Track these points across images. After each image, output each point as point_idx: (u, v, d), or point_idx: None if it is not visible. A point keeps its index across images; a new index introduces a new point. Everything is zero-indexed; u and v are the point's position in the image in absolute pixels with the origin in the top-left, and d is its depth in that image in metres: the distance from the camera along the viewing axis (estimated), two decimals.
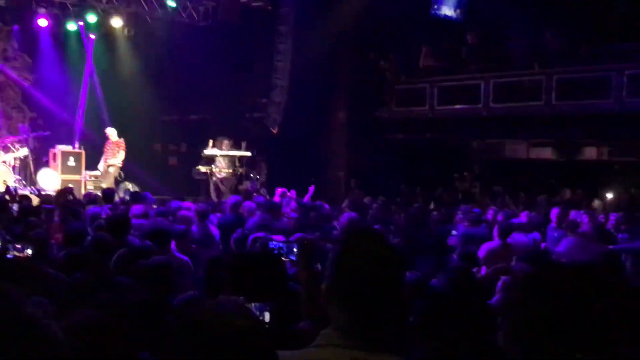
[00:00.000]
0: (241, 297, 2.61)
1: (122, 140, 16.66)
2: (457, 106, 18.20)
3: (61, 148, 16.74)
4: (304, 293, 3.41)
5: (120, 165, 16.51)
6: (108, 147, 16.62)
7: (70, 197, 12.55)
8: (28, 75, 19.21)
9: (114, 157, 16.45)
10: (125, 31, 19.43)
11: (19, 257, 4.79)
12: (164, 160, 21.62)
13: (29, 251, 4.84)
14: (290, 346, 2.03)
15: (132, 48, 19.96)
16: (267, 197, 14.69)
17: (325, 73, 18.13)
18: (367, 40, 18.99)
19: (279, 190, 13.77)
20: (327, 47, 17.85)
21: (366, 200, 14.18)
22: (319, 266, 3.47)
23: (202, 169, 17.12)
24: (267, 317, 2.59)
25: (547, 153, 19.97)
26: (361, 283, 1.90)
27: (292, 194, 13.61)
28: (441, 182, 18.32)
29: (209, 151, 16.91)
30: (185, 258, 6.20)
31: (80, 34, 19.07)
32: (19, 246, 4.88)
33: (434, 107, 18.47)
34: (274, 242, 4.11)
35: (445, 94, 18.41)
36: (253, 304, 2.56)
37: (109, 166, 16.43)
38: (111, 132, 16.76)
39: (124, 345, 2.57)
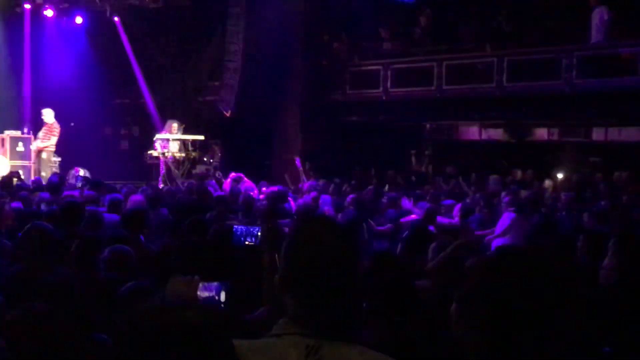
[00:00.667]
0: (196, 276, 2.57)
1: (56, 124, 16.13)
2: (411, 88, 18.26)
3: (9, 133, 16.34)
4: (265, 278, 3.39)
5: (53, 150, 16.04)
6: (41, 130, 16.15)
7: (17, 182, 12.36)
8: None
9: (45, 141, 15.96)
10: (76, 15, 19.03)
11: None
12: (115, 144, 21.33)
13: None
14: (249, 333, 2.02)
15: (82, 30, 19.55)
16: (222, 180, 14.63)
17: (278, 55, 18.02)
18: (320, 23, 18.93)
19: (232, 175, 13.71)
20: (279, 29, 17.73)
21: (320, 182, 14.21)
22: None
23: (154, 153, 16.92)
24: (222, 296, 2.57)
25: (498, 134, 20.25)
26: (313, 271, 1.90)
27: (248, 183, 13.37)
28: (395, 164, 18.43)
29: (161, 135, 16.72)
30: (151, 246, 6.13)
31: (24, 15, 18.61)
32: None
33: (388, 90, 18.51)
34: (237, 227, 4.10)
35: (398, 76, 18.45)
36: (208, 284, 2.54)
37: (39, 150, 15.97)
38: (46, 113, 16.03)
39: (69, 333, 2.54)
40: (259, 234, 3.58)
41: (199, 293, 2.48)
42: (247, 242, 3.74)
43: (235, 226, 4.30)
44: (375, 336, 3.38)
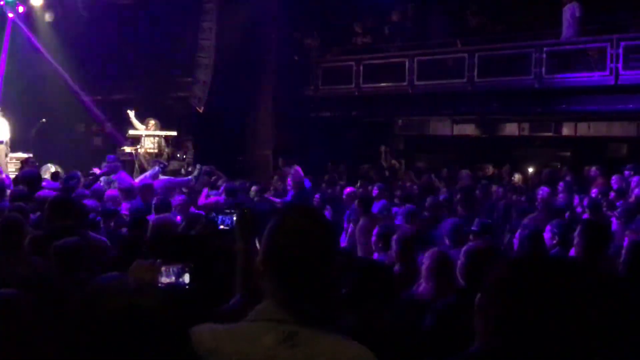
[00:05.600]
0: (158, 260, 2.59)
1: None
2: (383, 84, 18.35)
3: None
4: (238, 265, 3.39)
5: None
6: None
7: None
8: None
9: None
10: (47, 10, 18.84)
11: None
12: (88, 141, 21.15)
13: None
14: (222, 322, 2.03)
15: (52, 27, 19.35)
16: (196, 174, 14.56)
17: (250, 51, 18.00)
18: (292, 19, 18.93)
19: (205, 168, 13.69)
20: (252, 25, 17.72)
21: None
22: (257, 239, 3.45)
23: (127, 149, 16.81)
24: (187, 278, 2.59)
25: (470, 129, 20.41)
26: (292, 257, 1.93)
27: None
28: (367, 159, 18.52)
29: (133, 131, 16.63)
30: (103, 238, 6.12)
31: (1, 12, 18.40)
32: None
33: (360, 85, 18.58)
34: (213, 214, 4.09)
35: (370, 72, 18.53)
36: (170, 266, 2.56)
37: None
38: None
39: (30, 320, 2.56)
40: (234, 219, 3.59)
41: (161, 277, 2.50)
42: (221, 227, 3.75)
43: (213, 214, 4.30)
44: (351, 323, 3.43)
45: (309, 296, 1.94)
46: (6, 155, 15.74)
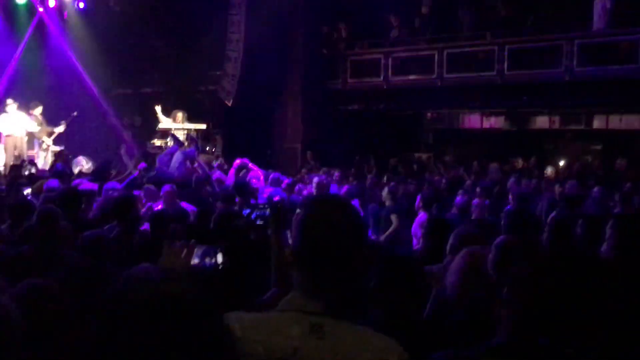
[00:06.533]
0: (192, 240, 2.62)
1: None
2: (411, 77, 18.27)
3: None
4: (273, 258, 3.42)
5: None
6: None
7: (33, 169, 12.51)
8: None
9: None
10: (77, 4, 19.04)
11: None
12: (118, 134, 21.33)
13: None
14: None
15: (83, 21, 19.56)
16: (225, 167, 14.65)
17: (278, 45, 18.03)
18: (320, 12, 18.91)
19: (236, 162, 13.73)
20: (280, 19, 17.74)
21: (322, 171, 14.26)
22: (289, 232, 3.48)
23: (157, 142, 16.96)
24: (219, 258, 2.62)
25: (499, 122, 20.26)
26: (322, 248, 1.93)
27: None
28: (395, 153, 18.47)
29: (163, 125, 16.74)
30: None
31: (29, 6, 18.62)
32: None
33: (389, 78, 18.52)
34: (247, 210, 4.12)
35: (399, 65, 18.45)
36: (204, 246, 2.59)
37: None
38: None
39: (65, 309, 2.60)
40: (268, 215, 3.62)
41: (195, 258, 2.53)
42: (258, 224, 3.79)
43: (245, 210, 4.33)
44: (378, 316, 3.43)
45: (337, 287, 1.94)
46: (44, 148, 15.98)
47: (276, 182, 10.93)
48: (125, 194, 6.84)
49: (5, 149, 15.50)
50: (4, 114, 15.51)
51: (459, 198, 9.25)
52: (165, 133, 16.78)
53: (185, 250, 2.50)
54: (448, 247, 4.77)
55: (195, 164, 12.65)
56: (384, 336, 1.95)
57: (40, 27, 19.07)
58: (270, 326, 1.93)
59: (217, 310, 1.55)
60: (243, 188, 9.85)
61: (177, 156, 12.65)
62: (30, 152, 15.87)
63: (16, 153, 15.25)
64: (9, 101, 15.59)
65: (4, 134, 15.55)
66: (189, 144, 14.50)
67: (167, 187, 8.60)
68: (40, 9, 18.69)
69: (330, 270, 1.94)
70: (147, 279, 1.52)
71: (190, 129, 17.07)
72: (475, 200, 8.86)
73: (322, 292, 1.94)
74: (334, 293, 1.94)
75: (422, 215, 8.39)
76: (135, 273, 1.70)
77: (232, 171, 12.92)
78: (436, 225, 5.60)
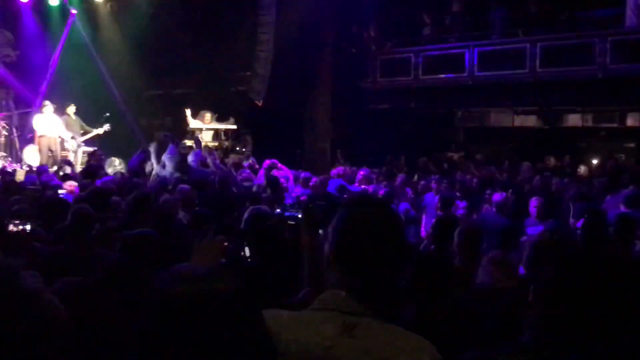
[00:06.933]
0: (219, 236, 2.64)
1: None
2: (442, 75, 18.19)
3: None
4: (305, 259, 3.42)
5: None
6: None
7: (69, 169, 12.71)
8: (10, 52, 19.01)
9: None
10: (108, 5, 19.28)
11: (18, 231, 4.84)
12: (150, 134, 21.53)
13: (28, 227, 4.89)
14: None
15: (115, 22, 19.80)
16: (257, 167, 14.70)
17: (308, 44, 18.05)
18: (350, 11, 18.90)
19: (266, 162, 13.77)
20: (310, 18, 17.75)
21: (351, 170, 14.24)
22: (321, 232, 3.48)
23: (188, 142, 17.08)
24: (247, 251, 2.64)
25: (531, 121, 20.08)
26: (361, 248, 1.94)
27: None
28: (426, 151, 18.40)
29: (193, 125, 16.87)
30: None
31: (62, 8, 18.89)
32: (17, 221, 4.93)
33: (419, 77, 18.46)
34: (278, 210, 4.15)
35: (430, 63, 18.38)
36: (231, 242, 2.62)
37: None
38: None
39: (103, 307, 2.64)
40: (300, 216, 3.63)
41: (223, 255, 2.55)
42: (290, 223, 3.80)
43: (277, 210, 4.35)
44: (410, 315, 3.44)
45: (375, 288, 1.95)
46: (74, 149, 16.17)
47: (306, 182, 10.96)
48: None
49: (40, 150, 15.74)
50: (40, 115, 15.76)
51: (496, 196, 9.19)
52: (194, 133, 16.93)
53: (214, 247, 2.52)
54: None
55: (211, 164, 12.76)
56: (418, 336, 1.93)
57: (74, 29, 19.32)
58: (304, 324, 1.93)
59: (258, 306, 1.55)
60: (275, 185, 9.92)
61: (191, 157, 12.81)
62: (64, 153, 16.09)
63: (50, 154, 15.48)
64: (46, 102, 15.86)
65: (39, 134, 15.80)
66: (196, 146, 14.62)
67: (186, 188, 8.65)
68: (74, 11, 18.94)
69: (368, 271, 1.94)
70: (192, 276, 1.53)
71: (220, 129, 17.19)
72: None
73: (358, 292, 1.93)
74: (370, 293, 1.94)
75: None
76: (179, 270, 1.72)
77: (261, 171, 12.98)
78: (442, 226, 5.57)
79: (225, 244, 2.57)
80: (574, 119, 19.71)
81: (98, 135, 16.47)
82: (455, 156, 19.07)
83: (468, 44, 17.76)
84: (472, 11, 18.73)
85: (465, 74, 17.62)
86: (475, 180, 13.03)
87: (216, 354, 1.41)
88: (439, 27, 19.09)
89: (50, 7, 18.69)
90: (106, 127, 16.29)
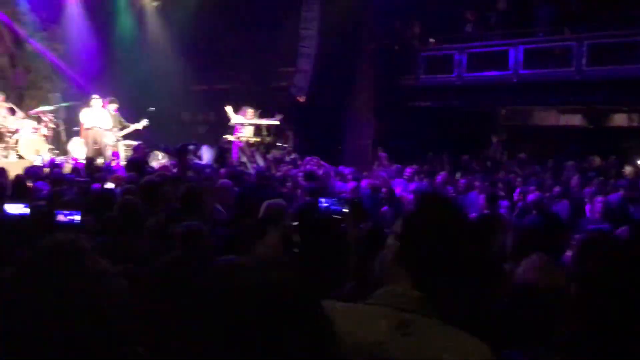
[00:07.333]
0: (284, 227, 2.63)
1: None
2: (486, 73, 18.01)
3: None
4: (351, 250, 3.42)
5: None
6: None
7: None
8: (58, 46, 19.34)
9: None
10: (154, 2, 19.54)
11: (67, 221, 4.93)
12: (193, 129, 21.75)
13: (77, 217, 4.98)
14: None
15: (160, 17, 20.05)
16: (299, 162, 14.77)
17: (351, 41, 18.03)
18: (393, 8, 18.82)
19: (308, 159, 13.83)
20: (353, 15, 17.74)
21: (394, 168, 14.22)
22: (364, 226, 3.49)
23: (230, 137, 17.19)
24: (296, 244, 2.64)
25: (576, 119, 19.79)
26: (430, 247, 1.92)
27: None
28: (469, 149, 18.25)
29: (235, 120, 16.95)
30: None
31: (109, 4, 19.19)
32: (67, 212, 5.03)
33: (462, 74, 18.32)
34: (323, 202, 4.14)
35: (473, 61, 18.22)
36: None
37: None
38: None
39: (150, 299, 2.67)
40: (345, 210, 3.64)
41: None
42: (334, 217, 3.81)
43: (322, 203, 4.34)
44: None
45: (437, 286, 1.92)
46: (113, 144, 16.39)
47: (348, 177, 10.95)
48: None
49: (86, 142, 15.98)
50: (87, 109, 16.00)
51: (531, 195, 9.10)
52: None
53: (277, 239, 2.52)
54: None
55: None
56: (476, 340, 1.89)
57: (120, 24, 19.62)
58: (359, 318, 1.91)
59: (318, 297, 1.54)
60: (314, 178, 9.95)
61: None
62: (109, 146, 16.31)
63: (96, 147, 15.71)
64: (94, 96, 16.10)
65: (86, 126, 16.03)
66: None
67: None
68: (121, 7, 19.24)
69: (433, 269, 1.91)
70: (252, 267, 1.53)
71: (262, 125, 17.25)
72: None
73: (419, 289, 1.91)
74: (432, 291, 1.91)
75: None
76: (237, 261, 1.70)
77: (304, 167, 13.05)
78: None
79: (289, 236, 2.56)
80: (620, 119, 19.38)
81: (137, 129, 16.66)
82: (499, 155, 18.89)
83: (513, 42, 17.56)
84: (518, 8, 18.51)
85: (509, 72, 17.42)
86: (519, 179, 12.91)
87: (280, 344, 1.40)
88: (483, 24, 18.90)
89: (97, 2, 18.99)
90: (144, 122, 16.44)
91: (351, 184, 10.87)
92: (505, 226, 5.67)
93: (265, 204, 5.79)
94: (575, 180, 11.87)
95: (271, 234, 2.56)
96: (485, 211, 8.26)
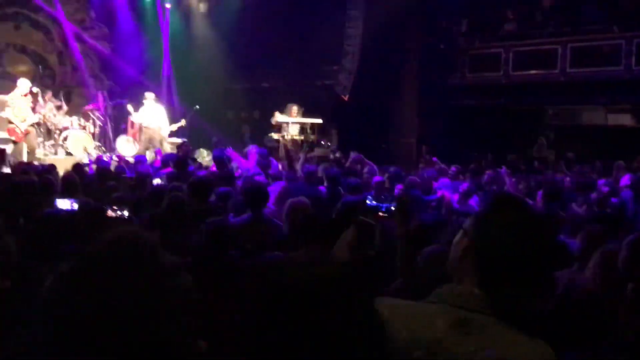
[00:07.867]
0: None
1: None
2: (533, 71, 17.80)
3: None
4: (399, 249, 3.40)
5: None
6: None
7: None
8: (105, 45, 19.65)
9: None
10: (200, 1, 19.73)
11: (117, 217, 5.02)
12: (237, 128, 21.89)
13: (126, 213, 5.07)
14: None
15: (206, 17, 20.24)
16: (343, 161, 14.73)
17: (396, 40, 17.96)
18: (438, 6, 18.71)
19: (353, 156, 13.78)
20: (398, 13, 17.66)
21: (438, 167, 14.11)
22: (411, 224, 3.47)
23: (274, 136, 17.26)
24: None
25: (625, 119, 19.43)
26: (503, 248, 1.87)
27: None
28: (515, 149, 18.05)
29: (280, 119, 17.01)
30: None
31: (156, 3, 19.43)
32: (115, 207, 5.12)
33: (509, 73, 18.13)
34: (370, 202, 4.14)
35: (520, 59, 18.02)
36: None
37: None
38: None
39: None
40: (392, 208, 3.61)
41: None
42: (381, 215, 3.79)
43: (369, 202, 4.33)
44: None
45: (505, 288, 1.86)
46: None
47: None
48: (259, 184, 6.94)
49: (139, 140, 16.26)
50: (141, 107, 16.20)
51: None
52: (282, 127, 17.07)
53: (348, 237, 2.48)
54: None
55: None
56: (535, 339, 1.84)
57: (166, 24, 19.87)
58: (418, 314, 1.89)
59: (368, 294, 1.54)
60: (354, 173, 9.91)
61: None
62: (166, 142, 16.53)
63: (150, 145, 15.93)
64: (147, 94, 16.30)
65: (144, 124, 16.23)
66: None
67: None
68: (168, 5, 19.48)
69: (504, 268, 1.86)
70: (303, 264, 1.53)
71: (306, 123, 17.28)
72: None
73: (483, 288, 1.88)
74: (497, 291, 1.86)
75: None
76: (287, 259, 1.71)
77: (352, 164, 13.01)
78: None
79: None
80: None
81: (185, 126, 16.82)
82: (546, 154, 18.65)
83: (560, 40, 17.32)
84: (564, 6, 18.24)
85: (557, 71, 17.20)
86: (567, 179, 12.69)
87: (330, 339, 1.40)
88: (529, 23, 18.67)
89: (144, 2, 19.25)
90: (182, 122, 16.60)
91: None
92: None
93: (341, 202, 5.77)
94: (625, 179, 11.62)
95: (348, 232, 2.51)
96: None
